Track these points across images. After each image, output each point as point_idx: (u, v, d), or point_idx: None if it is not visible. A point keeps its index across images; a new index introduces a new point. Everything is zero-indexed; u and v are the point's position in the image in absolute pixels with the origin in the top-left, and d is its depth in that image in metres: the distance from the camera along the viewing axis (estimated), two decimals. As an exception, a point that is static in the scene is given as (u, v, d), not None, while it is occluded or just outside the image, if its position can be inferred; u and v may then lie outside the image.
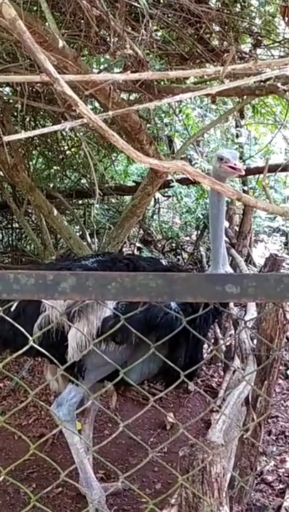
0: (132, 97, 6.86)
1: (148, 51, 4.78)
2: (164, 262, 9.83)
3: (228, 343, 6.62)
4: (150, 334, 3.88)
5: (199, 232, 10.23)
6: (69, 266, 4.38)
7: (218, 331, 7.00)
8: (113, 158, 9.18)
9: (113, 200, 10.30)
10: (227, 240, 7.74)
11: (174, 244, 11.46)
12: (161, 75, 2.19)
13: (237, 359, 4.73)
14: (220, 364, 7.01)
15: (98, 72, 5.63)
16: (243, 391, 3.23)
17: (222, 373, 6.65)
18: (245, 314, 4.68)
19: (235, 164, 4.00)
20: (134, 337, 3.87)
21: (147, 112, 6.52)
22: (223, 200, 4.20)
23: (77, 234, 8.49)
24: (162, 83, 6.36)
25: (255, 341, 3.96)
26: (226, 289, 1.63)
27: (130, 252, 10.09)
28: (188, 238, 11.72)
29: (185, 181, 8.66)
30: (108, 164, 9.65)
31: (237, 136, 9.79)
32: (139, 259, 4.60)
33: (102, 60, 5.10)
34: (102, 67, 5.16)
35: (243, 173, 4.13)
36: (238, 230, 8.52)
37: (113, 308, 3.88)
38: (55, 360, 3.34)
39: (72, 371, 4.14)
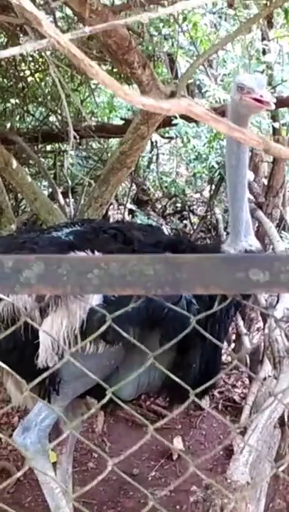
0: (117, 1, 6.80)
1: None
2: (165, 229, 9.85)
3: (255, 342, 6.66)
4: (153, 331, 3.90)
5: (214, 186, 10.20)
6: (35, 239, 4.38)
7: (241, 323, 7.03)
8: (93, 87, 9.11)
9: (94, 145, 10.25)
10: (251, 197, 7.72)
11: (178, 205, 11.44)
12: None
13: (268, 363, 4.76)
14: (244, 370, 7.05)
15: None
16: (275, 408, 3.26)
17: (247, 382, 6.70)
18: (277, 303, 4.70)
19: (261, 95, 3.99)
20: (132, 334, 3.86)
21: (139, 22, 6.46)
22: (245, 146, 4.20)
23: (46, 193, 8.48)
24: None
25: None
26: (249, 276, 1.64)
27: (119, 218, 10.08)
28: (198, 196, 11.69)
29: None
30: (86, 95, 9.59)
31: (264, 53, 9.69)
32: (132, 228, 4.60)
33: None
34: None
35: (273, 106, 4.12)
36: (266, 184, 8.47)
37: (102, 296, 3.87)
38: (11, 371, 3.31)
39: (43, 383, 4.17)
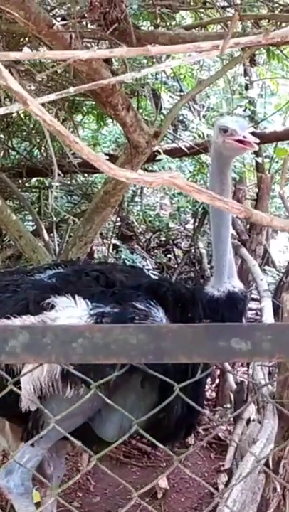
0: (102, 45, 6.85)
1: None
2: (149, 263, 9.86)
3: (239, 378, 6.66)
4: (134, 373, 3.91)
5: (197, 220, 10.26)
6: (18, 282, 4.41)
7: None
8: (76, 122, 9.16)
9: (79, 180, 10.28)
10: (235, 234, 7.77)
11: (163, 239, 11.47)
12: (139, 51, 2.21)
13: (252, 404, 4.77)
14: (228, 406, 7.06)
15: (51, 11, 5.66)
16: (259, 456, 3.27)
17: (232, 419, 6.68)
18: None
19: (244, 136, 4.05)
20: (111, 380, 3.87)
21: (121, 63, 6.52)
22: (228, 187, 4.24)
23: (30, 228, 8.48)
24: (143, 22, 6.39)
25: (275, 383, 4.00)
26: (232, 345, 1.68)
27: (103, 251, 10.08)
28: (182, 229, 11.73)
29: (177, 152, 8.68)
30: (70, 130, 9.62)
31: (246, 88, 9.80)
32: (114, 270, 4.63)
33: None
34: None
35: (256, 147, 4.19)
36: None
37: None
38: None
39: (26, 426, 4.17)
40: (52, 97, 2.36)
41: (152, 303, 4.05)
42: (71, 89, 2.36)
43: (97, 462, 1.87)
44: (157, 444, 1.92)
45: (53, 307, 4.00)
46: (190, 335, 1.69)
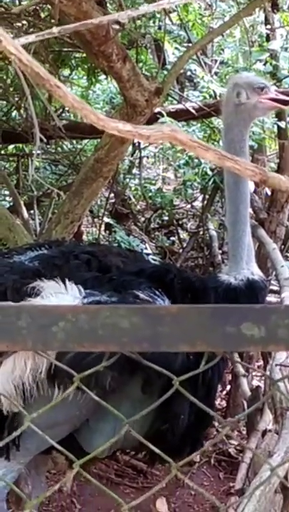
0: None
1: None
2: (149, 248, 9.84)
3: (254, 384, 6.66)
4: (134, 375, 3.90)
5: (207, 197, 10.23)
6: (-7, 265, 4.41)
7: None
8: (63, 78, 9.13)
9: (65, 147, 10.26)
10: (252, 213, 7.74)
11: (165, 218, 11.44)
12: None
13: (269, 413, 4.78)
14: (242, 418, 7.04)
15: None
16: (276, 472, 3.27)
17: (245, 432, 6.69)
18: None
19: (276, 94, 4.11)
20: (108, 380, 3.86)
21: (117, 6, 6.50)
22: (248, 156, 4.26)
23: (6, 204, 8.47)
24: None
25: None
26: (242, 331, 1.67)
27: (92, 240, 10.05)
28: (188, 207, 11.71)
29: (183, 115, 8.67)
30: (55, 87, 9.61)
31: (268, 39, 9.75)
32: (109, 253, 4.61)
33: None
34: None
35: None
36: (269, 196, 8.47)
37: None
38: None
39: (1, 436, 4.17)
40: (31, 38, 2.36)
41: (157, 292, 4.03)
42: (54, 30, 2.36)
43: (81, 470, 1.86)
44: (153, 448, 1.91)
45: (38, 293, 3.97)
46: (193, 319, 1.69)
